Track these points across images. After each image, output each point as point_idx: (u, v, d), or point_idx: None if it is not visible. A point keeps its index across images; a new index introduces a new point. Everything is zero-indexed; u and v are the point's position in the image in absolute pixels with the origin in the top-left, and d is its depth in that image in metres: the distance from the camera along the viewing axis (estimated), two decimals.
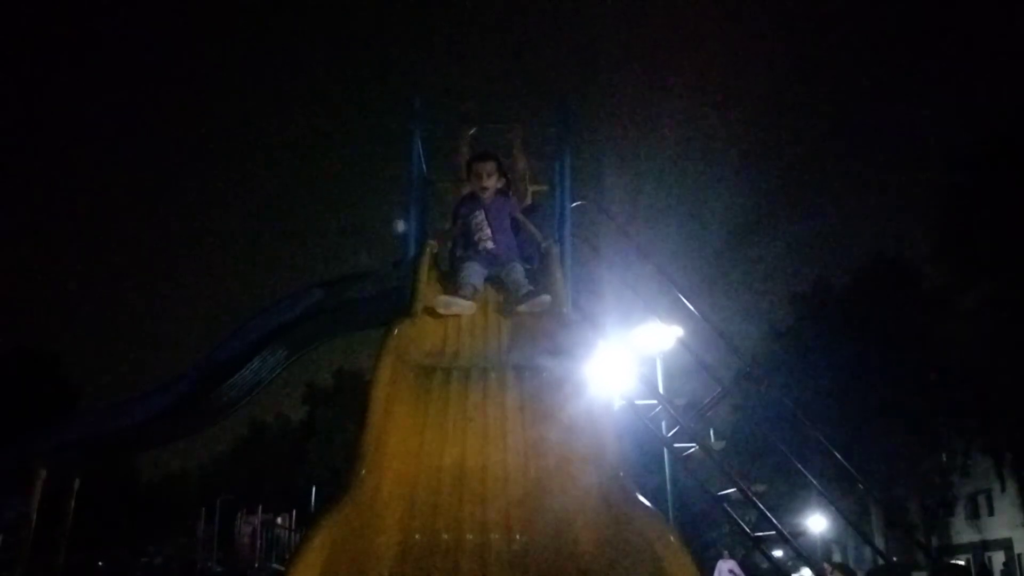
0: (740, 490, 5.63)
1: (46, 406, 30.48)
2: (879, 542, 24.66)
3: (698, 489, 6.94)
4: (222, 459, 55.85)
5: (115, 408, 6.58)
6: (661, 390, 7.54)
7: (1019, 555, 32.16)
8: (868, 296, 30.75)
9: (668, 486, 11.09)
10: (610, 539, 2.98)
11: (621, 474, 3.08)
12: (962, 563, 28.94)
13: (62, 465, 6.71)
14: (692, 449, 6.00)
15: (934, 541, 32.70)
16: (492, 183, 5.22)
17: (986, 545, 34.21)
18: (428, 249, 5.02)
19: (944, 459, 32.71)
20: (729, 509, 5.93)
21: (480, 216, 5.18)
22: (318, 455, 44.77)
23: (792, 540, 5.73)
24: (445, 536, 3.11)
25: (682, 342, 7.16)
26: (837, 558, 32.98)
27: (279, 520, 23.84)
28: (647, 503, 2.87)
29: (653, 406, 6.13)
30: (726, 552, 18.21)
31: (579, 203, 5.89)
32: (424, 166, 5.96)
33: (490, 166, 5.24)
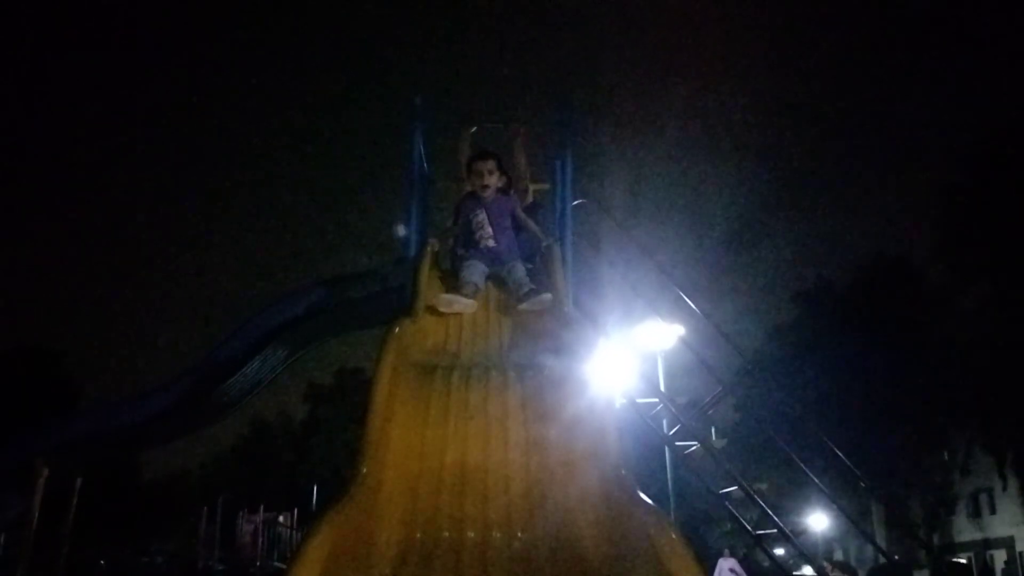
0: (742, 488, 5.64)
1: (48, 404, 30.51)
2: (881, 540, 24.66)
3: (700, 487, 6.94)
4: (223, 458, 55.82)
5: (116, 407, 6.58)
6: (662, 388, 7.55)
7: (1021, 553, 32.15)
8: (869, 295, 30.75)
9: (670, 484, 11.10)
10: (611, 537, 2.98)
11: (622, 472, 3.08)
12: (964, 561, 28.97)
13: (64, 463, 6.71)
14: (693, 447, 6.01)
15: (936, 539, 32.68)
16: (493, 182, 5.22)
17: (988, 543, 34.20)
18: (429, 248, 5.03)
19: (945, 457, 32.73)
20: (731, 507, 5.93)
21: (481, 215, 5.18)
22: (320, 454, 44.78)
23: (793, 538, 5.74)
24: (447, 534, 3.12)
25: (683, 340, 7.17)
26: (838, 556, 32.98)
27: (281, 519, 23.86)
28: (648, 501, 2.87)
29: (654, 404, 6.13)
30: (727, 550, 18.13)
31: (580, 202, 5.89)
32: (425, 165, 5.96)
33: (491, 165, 5.24)
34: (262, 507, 22.70)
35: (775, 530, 5.70)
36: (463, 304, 4.58)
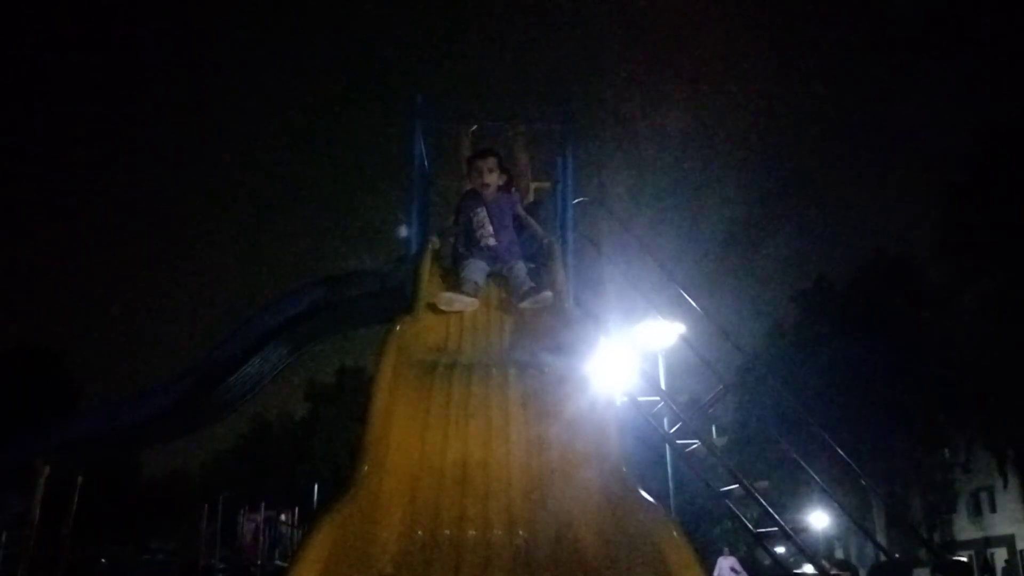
0: (742, 486, 5.64)
1: (48, 404, 30.53)
2: (881, 539, 24.65)
3: (700, 485, 6.94)
4: (224, 456, 55.86)
5: (117, 406, 6.59)
6: (663, 386, 7.54)
7: (1021, 551, 32.19)
8: (870, 293, 30.77)
9: (670, 482, 11.10)
10: (612, 535, 2.98)
11: (623, 470, 3.08)
12: (964, 560, 28.99)
13: (64, 463, 6.72)
14: (694, 445, 6.01)
15: (936, 538, 32.70)
16: (493, 180, 5.21)
17: (988, 542, 34.23)
18: (430, 246, 5.02)
19: (946, 455, 32.74)
20: (731, 505, 5.93)
21: (482, 213, 5.18)
22: (320, 452, 44.82)
23: (794, 536, 5.73)
24: (447, 532, 3.12)
25: (684, 339, 7.17)
26: (839, 555, 32.99)
27: (282, 517, 23.85)
28: (650, 499, 2.87)
29: (655, 402, 6.13)
30: (726, 549, 18.07)
31: (581, 200, 5.90)
32: (426, 163, 5.96)
33: (491, 163, 5.24)
34: (263, 506, 22.68)
35: (776, 528, 5.70)
36: (464, 302, 4.58)
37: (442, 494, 3.26)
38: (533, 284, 4.70)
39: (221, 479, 47.41)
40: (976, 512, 35.05)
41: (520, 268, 4.89)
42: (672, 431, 6.08)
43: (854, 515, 13.90)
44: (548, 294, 4.57)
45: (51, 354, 38.87)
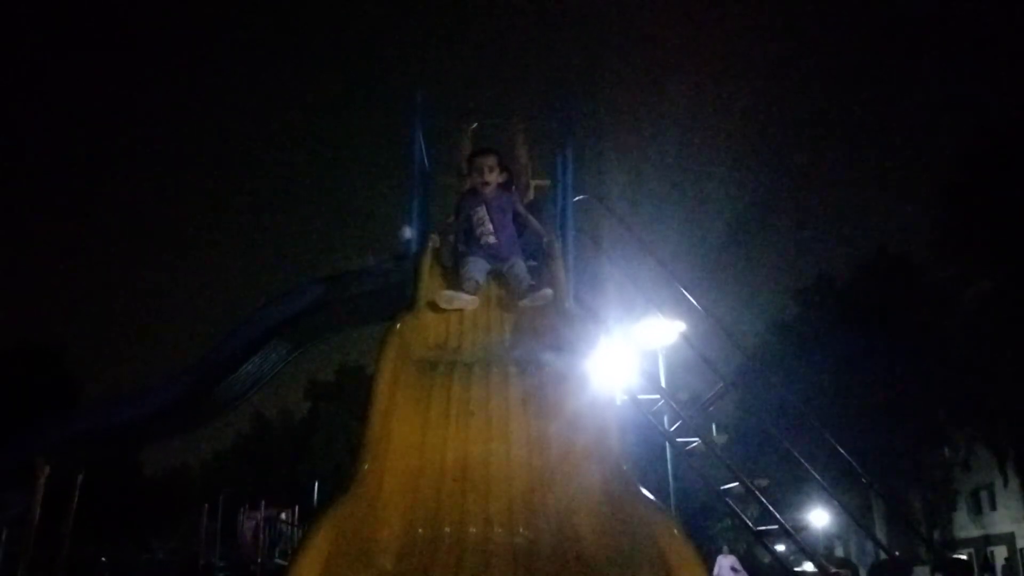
0: (742, 484, 5.63)
1: (48, 402, 30.53)
2: (881, 536, 24.66)
3: (700, 483, 6.93)
4: (224, 454, 55.84)
5: (117, 404, 6.57)
6: (663, 384, 7.54)
7: (1021, 549, 32.18)
8: (870, 291, 30.78)
9: (671, 480, 11.09)
10: (613, 532, 2.98)
11: (624, 468, 3.08)
12: (964, 558, 29.02)
13: (65, 461, 6.71)
14: (694, 443, 6.00)
15: (936, 536, 32.69)
16: (493, 178, 5.20)
17: (988, 540, 34.23)
18: (430, 244, 5.02)
19: (946, 453, 32.73)
20: (731, 503, 5.93)
21: (482, 211, 5.17)
22: (321, 450, 44.80)
23: (795, 534, 5.72)
24: (448, 530, 3.11)
25: (684, 337, 7.15)
26: (840, 553, 33.06)
27: (282, 515, 23.84)
28: (650, 496, 2.87)
29: (655, 401, 6.12)
30: (726, 547, 18.05)
31: (581, 197, 5.88)
32: (426, 161, 5.95)
33: (491, 160, 5.23)
34: (263, 504, 22.69)
35: (776, 526, 5.69)
36: (464, 300, 4.58)
37: (443, 492, 3.26)
38: (533, 282, 4.69)
39: (221, 478, 47.42)
40: (976, 510, 35.05)
41: (520, 266, 4.89)
42: (672, 429, 6.07)
43: (854, 513, 13.91)
44: (548, 292, 4.57)
45: (51, 353, 38.85)
